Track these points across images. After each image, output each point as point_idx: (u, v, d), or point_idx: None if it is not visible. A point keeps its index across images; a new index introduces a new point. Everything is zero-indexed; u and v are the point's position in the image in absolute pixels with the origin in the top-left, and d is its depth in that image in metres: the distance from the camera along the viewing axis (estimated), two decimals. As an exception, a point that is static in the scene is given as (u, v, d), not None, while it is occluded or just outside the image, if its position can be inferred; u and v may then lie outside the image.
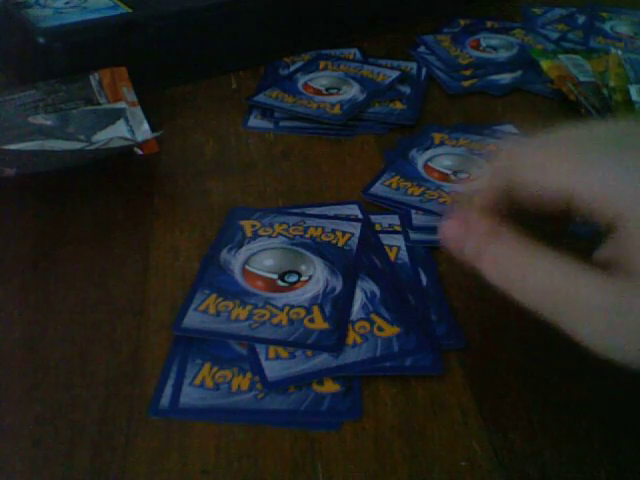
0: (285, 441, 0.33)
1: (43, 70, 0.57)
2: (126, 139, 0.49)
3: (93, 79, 0.55)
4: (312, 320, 0.38)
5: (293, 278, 0.41)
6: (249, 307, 0.39)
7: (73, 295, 0.41)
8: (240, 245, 0.44)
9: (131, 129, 0.50)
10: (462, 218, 0.32)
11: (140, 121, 0.51)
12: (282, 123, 0.58)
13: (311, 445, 0.33)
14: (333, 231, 0.45)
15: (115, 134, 0.50)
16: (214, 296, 0.40)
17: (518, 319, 0.39)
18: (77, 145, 0.49)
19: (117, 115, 0.52)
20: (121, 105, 0.53)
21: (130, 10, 0.61)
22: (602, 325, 0.27)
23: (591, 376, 0.36)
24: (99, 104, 0.53)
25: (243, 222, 0.46)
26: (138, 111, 0.52)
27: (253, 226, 0.45)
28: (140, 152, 0.49)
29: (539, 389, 0.36)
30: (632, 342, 0.27)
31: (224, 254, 0.43)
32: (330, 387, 0.35)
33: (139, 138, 0.49)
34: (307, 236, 0.44)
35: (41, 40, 0.56)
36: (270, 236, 0.44)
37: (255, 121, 0.58)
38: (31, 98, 0.53)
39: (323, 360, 0.36)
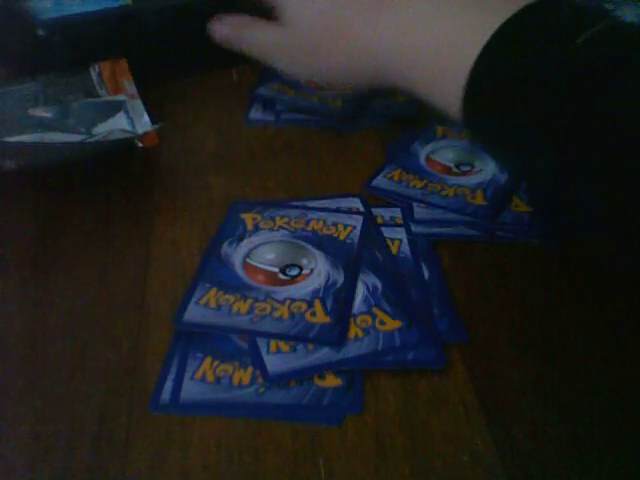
0: (286, 435, 0.33)
1: (43, 62, 0.56)
2: (126, 131, 0.49)
3: (93, 71, 0.55)
4: (313, 314, 0.38)
5: (294, 271, 0.41)
6: (250, 301, 0.39)
7: (73, 289, 0.41)
8: (241, 238, 0.43)
9: (131, 121, 0.50)
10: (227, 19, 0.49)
11: (140, 114, 0.51)
12: (283, 116, 0.58)
13: (312, 439, 0.33)
14: (334, 224, 0.45)
15: (115, 126, 0.49)
16: (215, 290, 0.39)
17: (520, 314, 0.39)
18: (77, 137, 0.48)
19: (117, 107, 0.51)
20: (121, 97, 0.52)
21: (129, 2, 0.60)
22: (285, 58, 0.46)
23: (594, 373, 0.36)
24: (99, 96, 0.53)
25: (244, 215, 0.45)
26: (138, 104, 0.52)
27: (254, 219, 0.45)
28: (140, 145, 0.48)
29: (541, 384, 0.35)
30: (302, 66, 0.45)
31: (225, 248, 0.43)
32: (332, 381, 0.35)
33: (139, 130, 0.49)
34: (308, 229, 0.44)
35: (41, 32, 0.56)
36: (271, 229, 0.44)
37: (256, 114, 0.58)
38: (31, 90, 0.53)
39: (325, 354, 0.36)
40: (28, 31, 0.57)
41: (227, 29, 0.50)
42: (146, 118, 0.50)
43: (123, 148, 0.49)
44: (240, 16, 0.50)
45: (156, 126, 0.49)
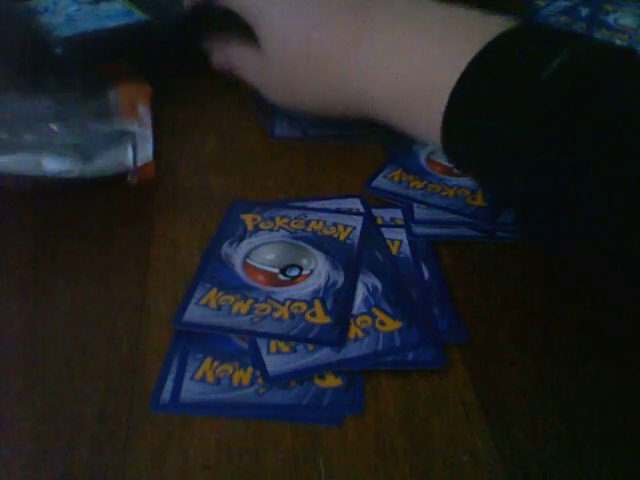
0: (286, 436, 0.33)
1: (56, 80, 0.54)
2: (122, 166, 0.46)
3: (112, 94, 0.52)
4: (313, 314, 0.38)
5: (294, 272, 0.41)
6: (250, 301, 0.39)
7: (73, 289, 0.41)
8: (241, 239, 0.43)
9: (134, 152, 0.47)
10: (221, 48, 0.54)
11: (145, 144, 0.48)
12: (311, 132, 0.55)
13: (312, 440, 0.33)
14: (334, 225, 0.45)
15: (116, 158, 0.46)
16: (215, 290, 0.39)
17: (521, 314, 0.39)
18: (73, 165, 0.46)
19: (124, 135, 0.48)
20: (132, 126, 0.49)
21: (144, 15, 0.57)
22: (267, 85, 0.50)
23: (594, 372, 0.36)
24: (110, 121, 0.50)
25: (244, 216, 0.45)
26: (148, 133, 0.49)
27: (254, 220, 0.45)
28: (135, 179, 0.45)
29: (542, 384, 0.35)
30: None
31: (225, 248, 0.43)
32: (332, 381, 0.35)
33: (140, 162, 0.46)
34: (308, 230, 0.44)
35: (58, 50, 0.53)
36: (271, 230, 0.44)
37: (282, 129, 0.56)
38: (43, 106, 0.51)
39: (325, 354, 0.36)
40: (43, 48, 0.54)
41: (221, 58, 0.54)
42: (150, 150, 0.47)
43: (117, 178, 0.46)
44: (232, 44, 0.53)
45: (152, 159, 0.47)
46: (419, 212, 0.46)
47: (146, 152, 0.47)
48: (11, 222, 0.45)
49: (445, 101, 0.37)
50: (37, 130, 0.48)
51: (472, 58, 0.36)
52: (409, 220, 0.45)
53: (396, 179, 0.49)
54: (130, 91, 0.53)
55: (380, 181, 0.49)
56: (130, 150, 0.46)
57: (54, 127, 0.49)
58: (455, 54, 0.38)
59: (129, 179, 0.45)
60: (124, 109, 0.51)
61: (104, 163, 0.45)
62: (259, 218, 0.45)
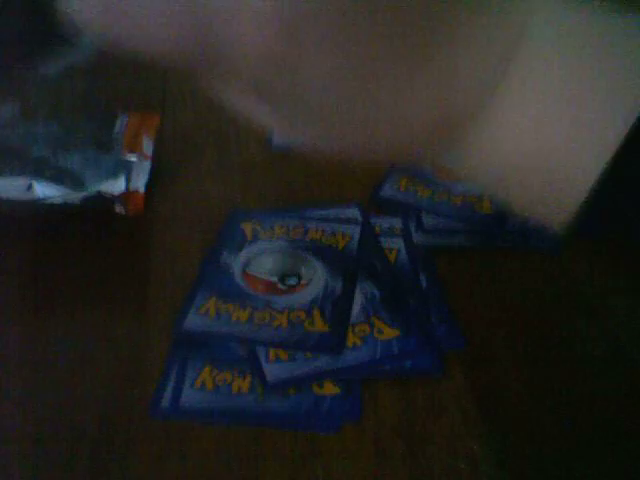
0: (285, 443, 0.33)
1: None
2: (106, 194, 0.45)
3: (120, 122, 0.51)
4: (312, 322, 0.38)
5: (293, 281, 0.41)
6: (249, 309, 0.39)
7: (74, 296, 0.41)
8: (240, 248, 0.44)
9: (127, 182, 0.46)
10: None
11: (140, 176, 0.47)
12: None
13: (311, 447, 0.33)
14: (333, 233, 0.45)
15: (108, 185, 0.45)
16: (214, 298, 0.40)
17: (517, 321, 0.40)
18: (63, 190, 0.45)
19: (121, 166, 0.47)
20: (131, 156, 0.48)
21: None
22: None
23: (591, 377, 0.36)
24: (111, 150, 0.49)
25: (243, 224, 0.46)
26: (146, 165, 0.48)
27: (253, 229, 0.45)
28: (122, 210, 0.45)
29: (539, 390, 0.36)
30: None
31: (225, 257, 0.43)
32: (330, 389, 0.35)
33: (136, 188, 0.46)
34: (307, 239, 0.44)
35: None
36: (270, 239, 0.44)
37: (280, 139, 0.54)
38: (42, 130, 0.49)
39: (323, 362, 0.36)
40: None
41: None
42: (143, 182, 0.47)
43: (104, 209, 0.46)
44: None
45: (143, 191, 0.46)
46: (427, 220, 0.46)
47: (139, 184, 0.46)
48: (12, 224, 0.45)
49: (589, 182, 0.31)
50: (31, 155, 0.48)
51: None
52: (418, 228, 0.45)
53: (403, 188, 0.49)
54: (138, 120, 0.52)
55: (387, 190, 0.49)
56: (123, 181, 0.46)
57: (49, 153, 0.48)
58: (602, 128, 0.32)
59: (117, 210, 0.45)
60: (127, 138, 0.50)
61: (95, 191, 0.45)
62: (258, 227, 0.45)
